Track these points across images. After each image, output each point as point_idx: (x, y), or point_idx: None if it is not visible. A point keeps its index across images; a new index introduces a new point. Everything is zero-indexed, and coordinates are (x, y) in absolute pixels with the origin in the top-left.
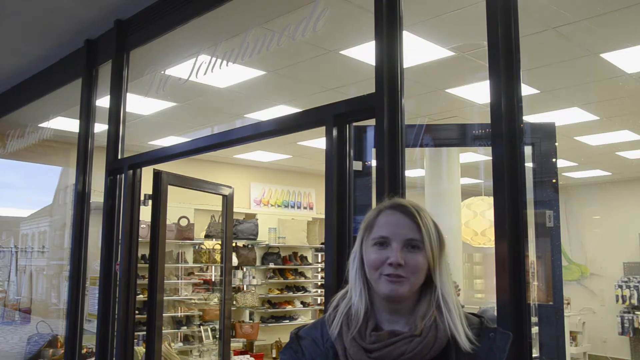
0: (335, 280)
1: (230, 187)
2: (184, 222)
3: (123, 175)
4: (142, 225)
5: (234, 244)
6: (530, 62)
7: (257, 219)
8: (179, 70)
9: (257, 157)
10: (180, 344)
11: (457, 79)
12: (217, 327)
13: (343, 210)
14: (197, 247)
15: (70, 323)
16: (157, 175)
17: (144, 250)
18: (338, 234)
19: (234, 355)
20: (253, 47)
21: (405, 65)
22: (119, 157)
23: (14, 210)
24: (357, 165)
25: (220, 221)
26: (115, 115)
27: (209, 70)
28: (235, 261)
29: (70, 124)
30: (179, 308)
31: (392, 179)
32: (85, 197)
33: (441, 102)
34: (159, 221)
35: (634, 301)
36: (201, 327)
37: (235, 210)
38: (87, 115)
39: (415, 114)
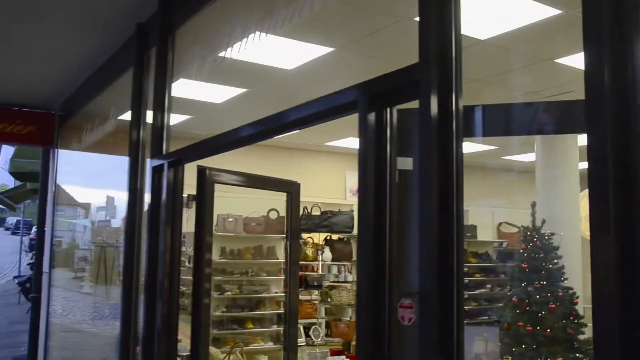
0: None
1: (295, 182)
2: (273, 215)
3: (164, 173)
4: (229, 219)
5: (328, 237)
6: None
7: (353, 210)
8: (233, 51)
9: (351, 144)
10: (271, 343)
11: (569, 46)
12: (312, 325)
13: (380, 229)
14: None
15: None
16: (201, 172)
17: (232, 245)
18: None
19: (330, 355)
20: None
21: (496, 31)
22: (163, 152)
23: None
24: (405, 163)
25: (314, 213)
26: (160, 103)
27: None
28: (329, 256)
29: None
30: (270, 306)
31: (443, 184)
32: (138, 193)
33: (550, 76)
34: (203, 228)
35: None
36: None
37: (329, 201)
38: (138, 105)
39: (521, 89)
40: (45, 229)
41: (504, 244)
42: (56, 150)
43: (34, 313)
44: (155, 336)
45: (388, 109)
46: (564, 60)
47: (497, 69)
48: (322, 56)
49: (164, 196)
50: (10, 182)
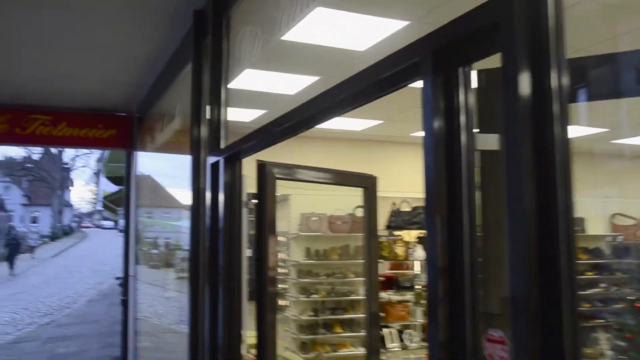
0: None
1: (371, 175)
2: (360, 213)
3: (220, 169)
4: (312, 218)
5: (421, 235)
6: None
7: None
8: (296, 29)
9: None
10: (362, 349)
11: None
12: (406, 329)
13: (455, 229)
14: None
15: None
16: (260, 167)
17: (317, 246)
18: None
19: None
20: None
21: None
22: (221, 146)
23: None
24: (488, 142)
25: (404, 209)
26: (215, 95)
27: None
28: (422, 254)
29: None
30: (358, 309)
31: (538, 166)
32: (201, 193)
33: None
34: (264, 229)
35: None
36: (384, 329)
37: (420, 196)
38: (198, 99)
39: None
40: (130, 231)
41: (619, 238)
42: (136, 152)
43: (124, 315)
44: (218, 334)
45: (461, 70)
46: None
47: (607, 36)
48: (396, 32)
49: (221, 195)
50: (114, 187)
